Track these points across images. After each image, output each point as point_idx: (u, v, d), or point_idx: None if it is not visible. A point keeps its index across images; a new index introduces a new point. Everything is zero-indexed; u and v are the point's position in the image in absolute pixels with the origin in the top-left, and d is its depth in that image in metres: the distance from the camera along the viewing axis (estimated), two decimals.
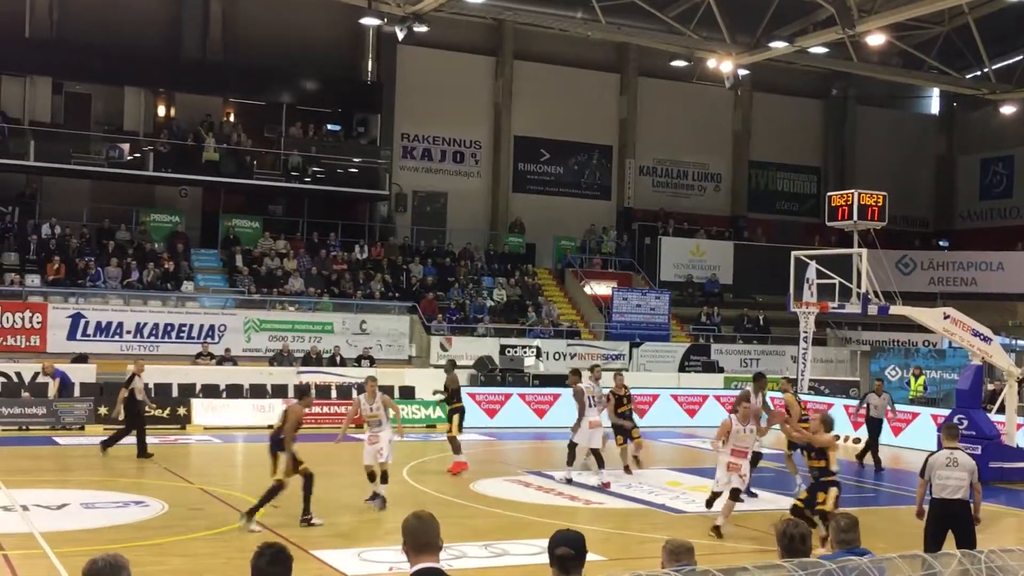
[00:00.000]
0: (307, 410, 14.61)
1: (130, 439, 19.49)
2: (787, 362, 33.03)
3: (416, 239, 35.74)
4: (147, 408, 20.49)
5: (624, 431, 19.02)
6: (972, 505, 10.81)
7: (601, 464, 17.35)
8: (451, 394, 19.12)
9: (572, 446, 17.91)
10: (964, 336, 20.75)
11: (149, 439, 21.31)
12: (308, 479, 13.64)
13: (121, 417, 19.80)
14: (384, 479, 14.91)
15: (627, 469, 18.75)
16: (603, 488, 16.93)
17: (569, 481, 17.58)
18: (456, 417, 18.90)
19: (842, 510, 8.94)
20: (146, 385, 20.51)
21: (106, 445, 19.53)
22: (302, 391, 15.24)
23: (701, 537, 12.77)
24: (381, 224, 35.61)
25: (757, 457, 16.61)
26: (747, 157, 41.63)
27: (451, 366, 19.72)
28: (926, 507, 11.04)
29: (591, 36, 32.99)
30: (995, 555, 4.22)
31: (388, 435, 15.16)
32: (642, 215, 39.62)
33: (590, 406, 17.68)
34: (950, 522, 10.71)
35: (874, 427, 21.49)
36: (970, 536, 10.74)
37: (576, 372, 19.02)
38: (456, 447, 18.67)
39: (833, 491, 12.35)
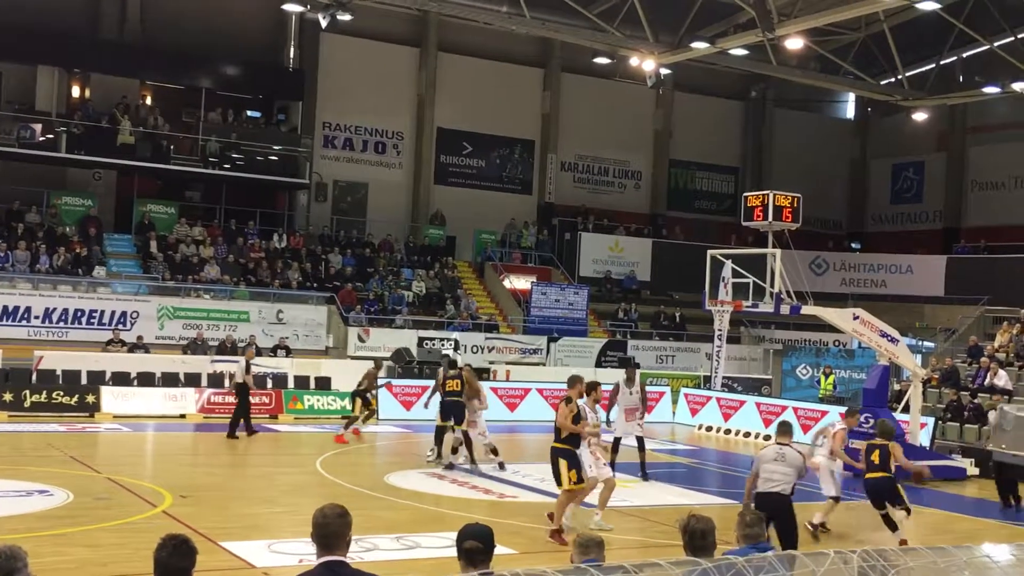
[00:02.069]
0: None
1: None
2: (702, 359, 33.52)
3: (336, 229, 35.48)
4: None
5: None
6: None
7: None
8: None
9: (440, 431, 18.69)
10: (872, 337, 21.24)
11: (55, 427, 21.01)
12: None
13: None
14: (494, 452, 18.29)
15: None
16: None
17: (450, 466, 18.17)
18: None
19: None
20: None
21: (232, 433, 20.76)
22: (452, 362, 19.20)
23: (611, 532, 12.90)
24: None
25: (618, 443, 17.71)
26: (667, 156, 42.08)
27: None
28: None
29: (515, 30, 33.04)
30: (868, 555, 4.34)
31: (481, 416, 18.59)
32: (562, 210, 39.82)
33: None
34: (772, 515, 10.65)
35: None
36: (791, 530, 10.87)
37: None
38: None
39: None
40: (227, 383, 24.38)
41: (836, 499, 14.39)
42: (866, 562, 4.32)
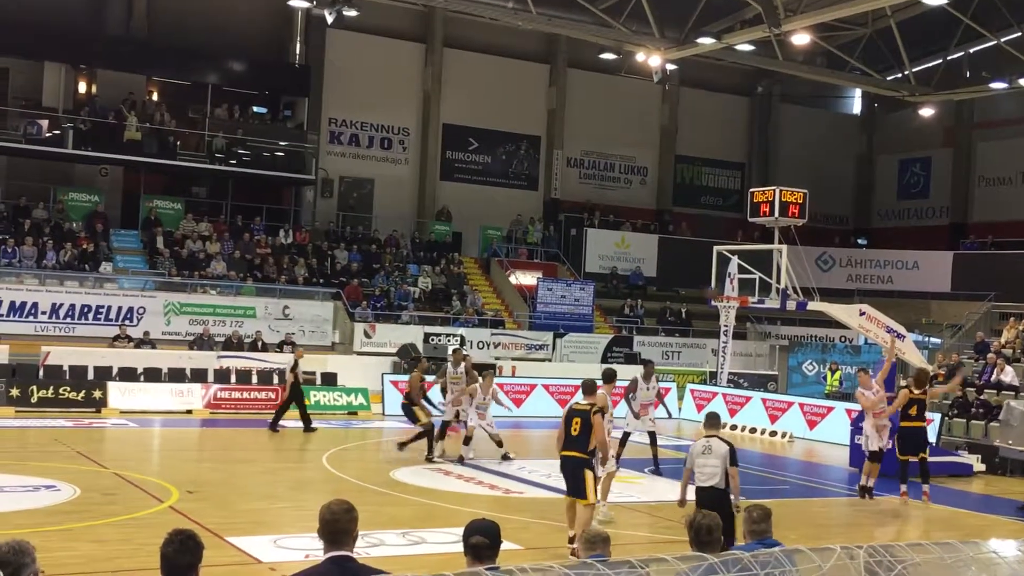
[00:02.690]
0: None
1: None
2: (708, 355, 33.49)
3: (342, 225, 35.50)
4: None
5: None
6: (732, 493, 10.67)
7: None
8: None
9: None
10: (879, 333, 21.22)
11: (62, 422, 21.06)
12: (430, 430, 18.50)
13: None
14: (499, 444, 19.02)
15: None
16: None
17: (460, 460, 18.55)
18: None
19: (755, 501, 8.98)
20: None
21: (307, 427, 21.61)
22: (415, 360, 21.06)
23: (618, 527, 12.90)
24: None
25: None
26: (673, 151, 42.03)
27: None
28: (691, 497, 10.82)
29: (521, 26, 32.98)
30: (874, 550, 4.33)
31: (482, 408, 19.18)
32: (568, 206, 39.80)
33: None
34: (709, 510, 10.38)
35: None
36: (728, 526, 10.08)
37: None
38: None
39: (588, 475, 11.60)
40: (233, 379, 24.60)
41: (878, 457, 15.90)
42: (872, 557, 4.32)
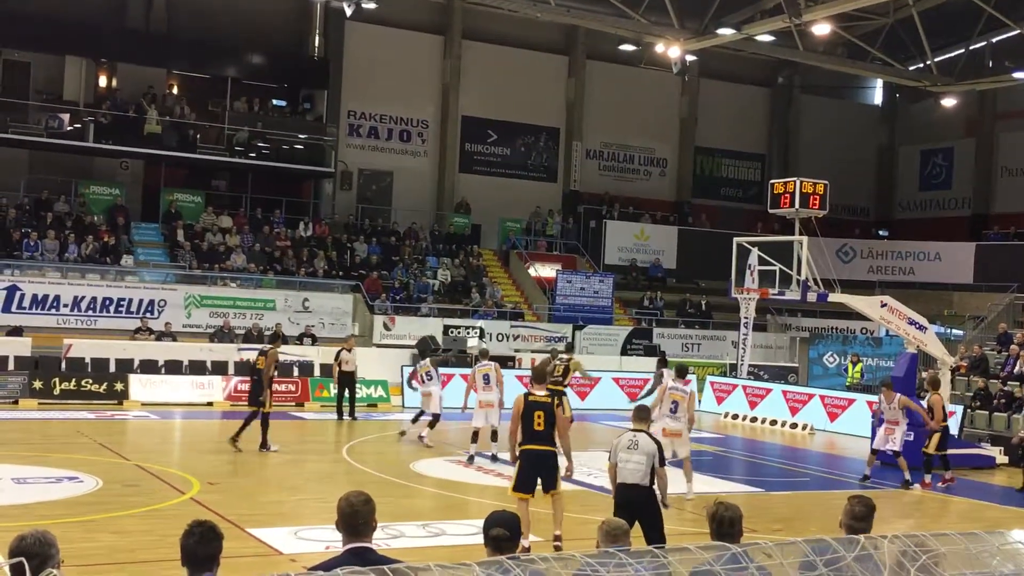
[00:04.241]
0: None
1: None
2: (727, 347, 33.37)
3: (361, 217, 35.55)
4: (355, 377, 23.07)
5: None
6: (658, 491, 10.18)
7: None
8: None
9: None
10: (900, 324, 21.09)
11: (84, 414, 21.17)
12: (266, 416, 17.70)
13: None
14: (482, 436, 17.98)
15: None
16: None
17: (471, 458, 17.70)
18: None
19: (857, 492, 8.10)
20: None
21: (349, 415, 22.51)
22: (275, 336, 21.03)
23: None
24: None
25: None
26: (693, 143, 41.88)
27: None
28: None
29: (540, 17, 32.94)
30: (898, 539, 4.29)
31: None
32: (588, 198, 39.72)
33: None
34: (633, 509, 9.61)
35: None
36: (656, 526, 9.85)
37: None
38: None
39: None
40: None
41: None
42: (897, 547, 4.29)
